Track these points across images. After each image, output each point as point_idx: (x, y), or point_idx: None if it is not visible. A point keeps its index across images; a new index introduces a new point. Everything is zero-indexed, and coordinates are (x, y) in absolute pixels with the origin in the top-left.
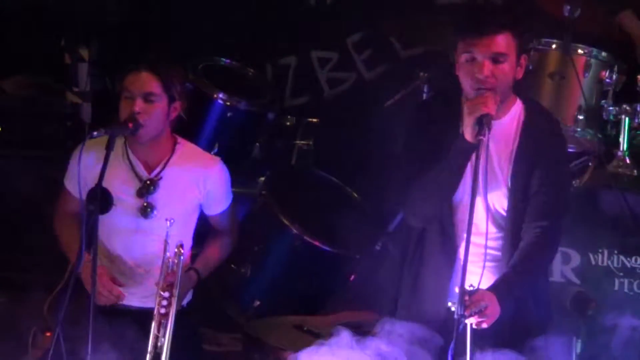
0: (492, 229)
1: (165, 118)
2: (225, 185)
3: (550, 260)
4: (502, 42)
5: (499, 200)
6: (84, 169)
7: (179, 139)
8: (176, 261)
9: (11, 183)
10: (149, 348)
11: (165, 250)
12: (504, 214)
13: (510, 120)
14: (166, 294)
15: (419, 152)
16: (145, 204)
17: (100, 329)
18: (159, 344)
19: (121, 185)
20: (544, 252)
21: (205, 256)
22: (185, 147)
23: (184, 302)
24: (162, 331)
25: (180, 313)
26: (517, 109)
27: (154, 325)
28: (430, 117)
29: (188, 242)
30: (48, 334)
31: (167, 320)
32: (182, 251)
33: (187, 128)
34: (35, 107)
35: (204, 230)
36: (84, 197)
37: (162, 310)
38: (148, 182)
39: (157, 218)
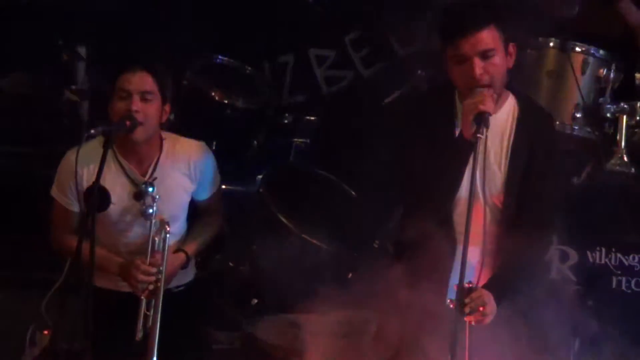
0: (491, 225)
1: (159, 119)
2: (213, 169)
3: (545, 254)
4: (487, 37)
5: (497, 196)
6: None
7: (163, 134)
8: (162, 238)
9: (8, 181)
10: (139, 326)
11: (150, 229)
12: (502, 208)
13: (504, 115)
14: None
15: (416, 148)
16: (144, 206)
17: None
18: (148, 323)
19: (114, 189)
20: (539, 246)
21: (193, 236)
22: (170, 141)
23: (183, 282)
24: (151, 310)
25: (177, 293)
26: (510, 104)
27: (143, 304)
28: (425, 113)
29: (182, 228)
30: (46, 332)
31: (157, 299)
32: (167, 228)
33: (185, 126)
34: (32, 105)
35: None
36: (82, 206)
37: (151, 287)
38: (144, 185)
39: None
